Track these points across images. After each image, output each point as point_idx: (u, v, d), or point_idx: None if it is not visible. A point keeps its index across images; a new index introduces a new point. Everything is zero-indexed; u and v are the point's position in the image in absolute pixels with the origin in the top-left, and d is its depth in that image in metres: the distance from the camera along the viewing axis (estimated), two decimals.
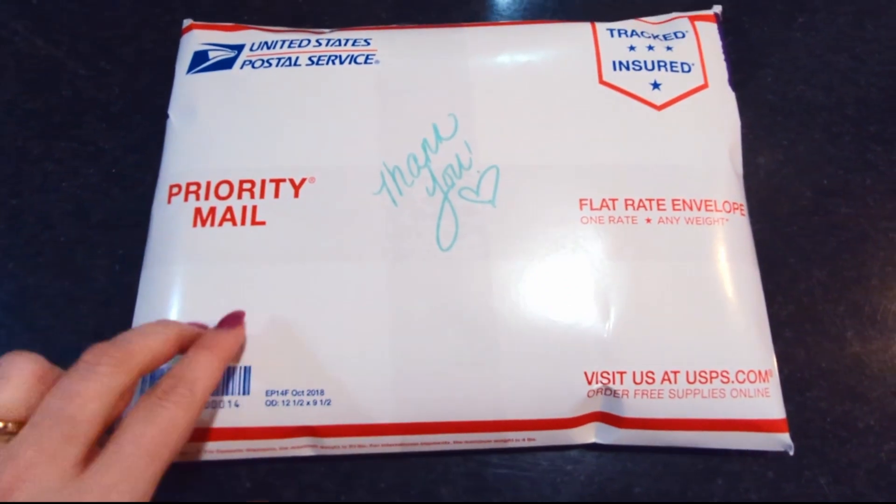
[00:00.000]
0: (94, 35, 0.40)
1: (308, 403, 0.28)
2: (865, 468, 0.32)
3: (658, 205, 0.30)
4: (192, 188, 0.31)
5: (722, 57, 0.35)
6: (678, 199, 0.31)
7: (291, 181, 0.31)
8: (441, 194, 0.31)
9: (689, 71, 0.34)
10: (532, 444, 0.30)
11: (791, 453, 0.29)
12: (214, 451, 0.28)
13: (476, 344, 0.29)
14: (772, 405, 0.29)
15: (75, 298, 0.34)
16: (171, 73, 0.35)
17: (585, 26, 0.35)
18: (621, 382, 0.28)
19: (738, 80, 0.36)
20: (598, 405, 0.29)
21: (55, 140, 0.38)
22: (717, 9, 0.37)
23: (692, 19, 0.36)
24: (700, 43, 0.35)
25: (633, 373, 0.28)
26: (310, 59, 0.33)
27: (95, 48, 0.40)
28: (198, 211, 0.30)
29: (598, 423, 0.30)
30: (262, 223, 0.30)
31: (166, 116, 0.34)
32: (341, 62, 0.33)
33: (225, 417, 0.28)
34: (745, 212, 0.33)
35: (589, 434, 0.30)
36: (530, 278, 0.29)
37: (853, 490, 0.32)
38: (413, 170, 0.31)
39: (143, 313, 0.30)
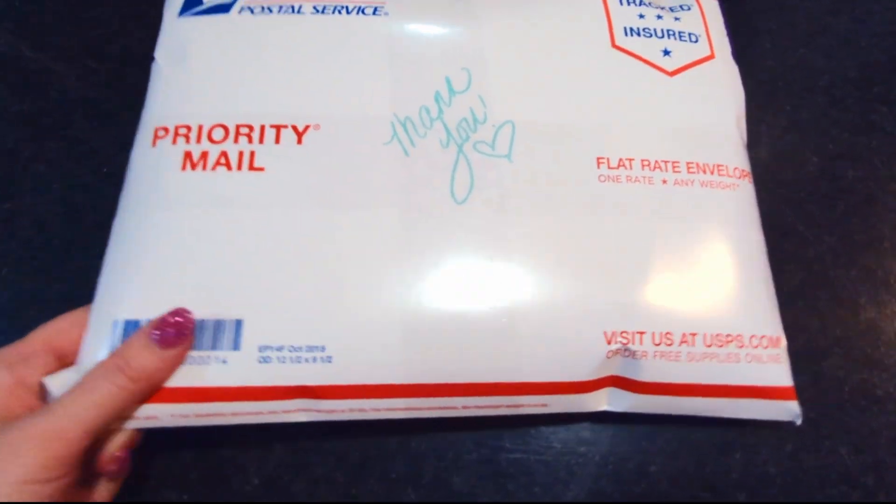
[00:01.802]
0: (79, 34, 0.40)
1: (307, 361, 0.26)
2: (886, 436, 0.31)
3: (673, 167, 0.30)
4: (182, 131, 0.29)
5: (724, 31, 0.35)
6: (692, 163, 0.30)
7: (294, 127, 0.29)
8: (455, 147, 0.30)
9: (696, 41, 0.34)
10: (543, 410, 0.28)
11: (798, 423, 0.28)
12: (192, 414, 0.26)
13: (491, 301, 0.27)
14: (783, 372, 0.29)
15: (73, 301, 0.34)
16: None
17: None
18: (641, 343, 0.27)
19: (737, 47, 0.35)
20: (615, 368, 0.28)
21: (46, 141, 0.37)
22: None
23: None
24: (705, 16, 0.35)
25: (653, 333, 0.27)
26: (315, 7, 0.32)
27: (82, 47, 0.39)
28: (188, 154, 0.28)
29: (612, 389, 0.29)
30: (261, 169, 0.28)
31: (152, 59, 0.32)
32: (348, 12, 0.32)
33: (210, 376, 0.25)
34: (752, 180, 0.32)
35: (601, 400, 0.29)
36: (547, 235, 0.28)
37: (875, 458, 0.31)
38: (426, 121, 0.30)
39: (117, 262, 0.27)
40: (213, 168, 0.28)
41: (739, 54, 0.35)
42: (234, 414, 0.26)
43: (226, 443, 0.30)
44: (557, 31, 0.33)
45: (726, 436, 0.31)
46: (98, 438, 0.24)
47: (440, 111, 0.30)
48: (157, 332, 0.25)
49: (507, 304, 0.27)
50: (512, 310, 0.27)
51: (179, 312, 0.26)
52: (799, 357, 0.33)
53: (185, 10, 0.32)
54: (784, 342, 0.29)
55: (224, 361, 0.26)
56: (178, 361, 0.25)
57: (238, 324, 0.26)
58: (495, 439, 0.31)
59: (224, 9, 0.32)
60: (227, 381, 0.26)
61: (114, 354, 0.25)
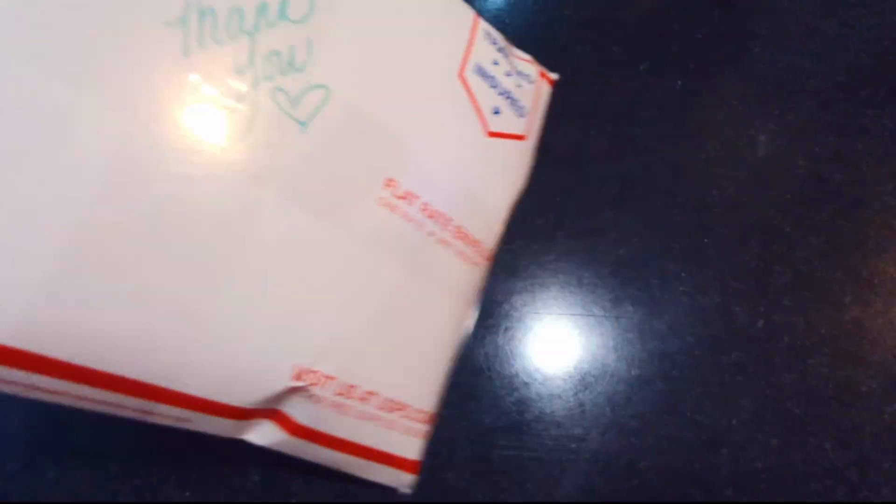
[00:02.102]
0: None
1: None
2: (870, 431, 0.32)
3: (445, 224, 0.28)
4: None
5: (541, 119, 0.35)
6: (462, 229, 0.29)
7: None
8: (251, 79, 0.23)
9: (521, 116, 0.32)
10: (183, 425, 0.25)
11: (408, 492, 0.30)
12: None
13: (193, 281, 0.22)
14: (417, 447, 0.30)
15: None
16: None
17: (469, 14, 0.31)
18: (325, 388, 0.25)
19: (727, 52, 0.36)
20: (283, 404, 0.25)
21: None
22: (556, 76, 0.37)
23: (540, 73, 0.35)
24: (537, 96, 0.34)
25: (342, 382, 0.25)
26: None
27: None
28: None
29: (266, 422, 0.26)
30: None
31: None
32: None
33: None
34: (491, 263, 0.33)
35: (249, 430, 0.26)
36: (292, 238, 0.24)
37: (859, 454, 0.32)
38: (231, 28, 0.22)
39: None
40: None
41: (730, 59, 0.36)
42: None
43: (224, 441, 0.31)
44: (418, 32, 0.28)
45: (714, 433, 0.32)
46: None
47: (256, 26, 0.23)
48: None
49: (209, 291, 0.22)
50: (213, 300, 0.22)
51: None
52: (785, 355, 0.34)
53: None
54: (433, 420, 0.30)
55: None
56: None
57: None
58: (488, 437, 0.32)
59: None
60: None
61: None
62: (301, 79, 0.24)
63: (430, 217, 0.28)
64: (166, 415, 0.23)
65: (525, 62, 0.35)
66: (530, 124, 0.33)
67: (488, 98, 0.30)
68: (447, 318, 0.30)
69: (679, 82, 0.40)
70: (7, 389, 0.21)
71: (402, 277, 0.27)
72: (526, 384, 0.33)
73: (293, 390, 0.25)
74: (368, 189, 0.26)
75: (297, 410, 0.26)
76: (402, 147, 0.27)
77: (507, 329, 0.34)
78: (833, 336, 0.34)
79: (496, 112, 0.30)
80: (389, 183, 0.26)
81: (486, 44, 0.31)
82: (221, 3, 0.23)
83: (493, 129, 0.30)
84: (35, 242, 0.19)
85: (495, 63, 0.31)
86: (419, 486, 0.31)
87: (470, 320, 0.33)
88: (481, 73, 0.30)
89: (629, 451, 0.32)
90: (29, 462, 0.30)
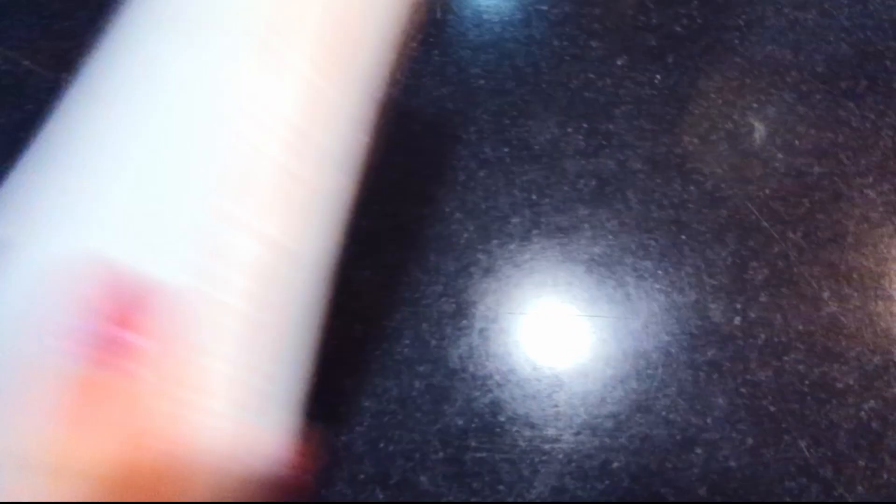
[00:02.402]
0: (53, 47, 0.40)
1: None
2: (846, 428, 0.32)
3: None
4: None
5: None
6: None
7: None
8: None
9: None
10: None
11: None
12: None
13: None
14: None
15: None
16: None
17: None
18: None
19: (705, 44, 0.36)
20: None
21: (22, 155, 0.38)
22: None
23: None
24: None
25: None
26: None
27: (55, 60, 0.40)
28: None
29: None
30: None
31: None
32: None
33: None
34: None
35: None
36: None
37: (833, 451, 0.31)
38: None
39: None
40: None
41: (707, 51, 0.36)
42: None
43: None
44: None
45: (687, 432, 0.32)
46: None
47: None
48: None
49: None
50: None
51: None
52: (762, 352, 0.33)
53: None
54: None
55: None
56: None
57: None
58: (461, 438, 0.32)
59: None
60: None
61: None
62: None
63: None
64: None
65: None
66: None
67: None
68: None
69: (657, 77, 0.40)
70: None
71: None
72: (500, 385, 0.33)
73: None
74: None
75: None
76: None
77: (481, 330, 0.34)
78: (809, 332, 0.34)
79: None
80: None
81: None
82: None
83: None
84: None
85: None
86: (392, 489, 0.31)
87: None
88: None
89: (602, 451, 0.32)
90: None
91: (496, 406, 0.33)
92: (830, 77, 0.39)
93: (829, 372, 0.33)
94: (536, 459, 0.31)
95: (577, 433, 0.32)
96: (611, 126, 0.39)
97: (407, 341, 0.34)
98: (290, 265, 0.19)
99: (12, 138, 0.38)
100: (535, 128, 0.39)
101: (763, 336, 0.34)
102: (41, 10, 0.41)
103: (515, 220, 0.37)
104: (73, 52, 0.41)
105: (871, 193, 0.37)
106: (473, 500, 0.31)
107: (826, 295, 0.34)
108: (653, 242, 0.36)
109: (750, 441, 0.32)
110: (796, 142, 0.38)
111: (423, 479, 0.31)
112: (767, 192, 0.37)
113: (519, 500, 0.31)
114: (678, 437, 0.32)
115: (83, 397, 0.15)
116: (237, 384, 0.17)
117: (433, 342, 0.34)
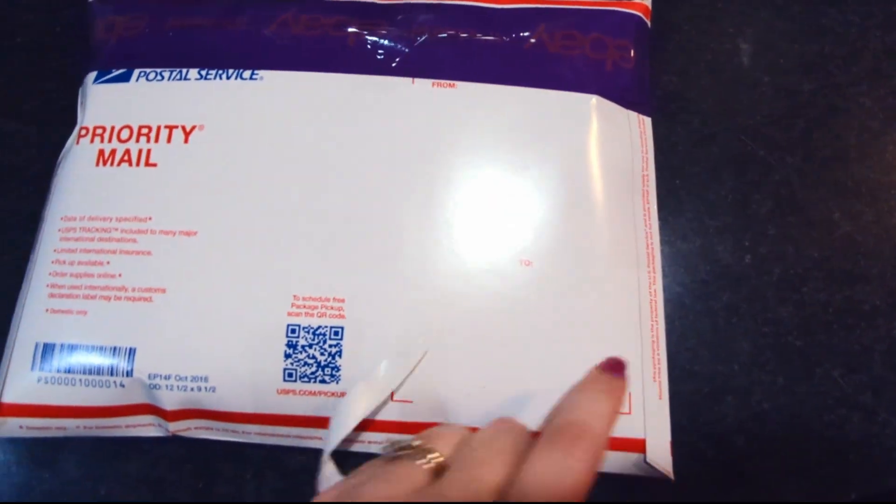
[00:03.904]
0: None
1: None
2: (879, 350, 0.31)
3: None
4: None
5: None
6: None
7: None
8: None
9: None
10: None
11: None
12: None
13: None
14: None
15: None
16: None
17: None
18: None
19: None
20: None
21: None
22: None
23: None
24: None
25: None
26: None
27: (0, 111, 0.38)
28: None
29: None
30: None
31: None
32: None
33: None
34: None
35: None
36: None
37: (870, 376, 0.30)
38: None
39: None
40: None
41: None
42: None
43: (213, 446, 0.30)
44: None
45: (715, 382, 0.30)
46: None
47: None
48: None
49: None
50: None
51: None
52: (779, 286, 0.32)
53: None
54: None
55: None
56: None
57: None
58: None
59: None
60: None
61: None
62: None
63: None
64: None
65: None
66: None
67: None
68: None
69: None
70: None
71: None
72: None
73: None
74: None
75: None
76: None
77: None
78: (826, 258, 0.32)
79: None
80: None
81: None
82: None
83: None
84: None
85: None
86: None
87: None
88: None
89: None
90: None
91: None
92: None
93: (853, 295, 0.31)
94: None
95: None
96: None
97: None
98: None
99: None
100: None
101: (777, 270, 0.32)
102: None
103: None
104: (15, 97, 0.39)
105: (868, 102, 0.35)
106: None
107: (836, 216, 0.33)
108: None
109: (781, 381, 0.30)
110: (780, 60, 0.36)
111: None
112: (758, 118, 0.35)
113: None
114: (706, 390, 0.30)
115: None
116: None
117: None
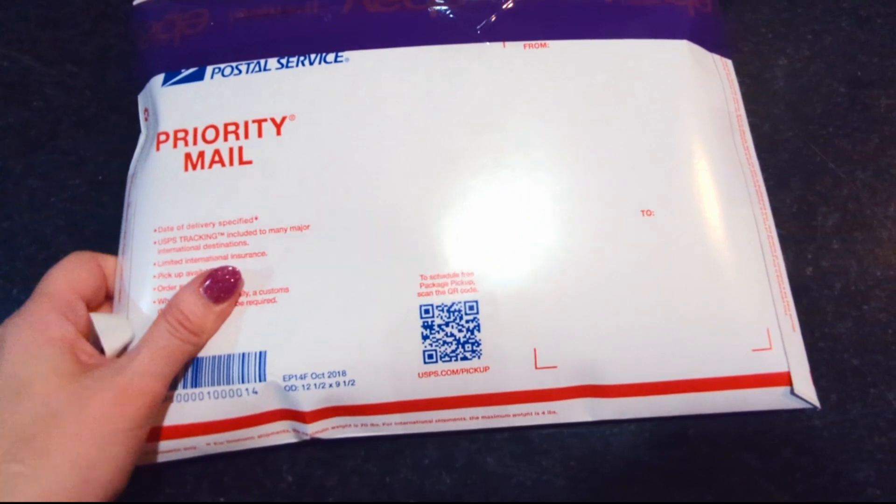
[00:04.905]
0: (53, 38, 0.38)
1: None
2: None
3: None
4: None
5: None
6: None
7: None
8: None
9: None
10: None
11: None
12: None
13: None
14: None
15: None
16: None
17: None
18: None
19: None
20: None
21: (35, 154, 0.36)
22: None
23: None
24: None
25: None
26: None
27: (58, 52, 0.38)
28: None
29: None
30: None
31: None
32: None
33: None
34: None
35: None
36: None
37: None
38: None
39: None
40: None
41: None
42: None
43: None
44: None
45: None
46: None
47: None
48: (209, 288, 0.26)
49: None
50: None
51: (224, 269, 0.27)
52: (839, 302, 0.31)
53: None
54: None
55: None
56: (227, 315, 0.27)
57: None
58: None
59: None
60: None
61: (170, 309, 0.26)
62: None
63: None
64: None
65: None
66: None
67: None
68: None
69: None
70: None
71: None
72: None
73: None
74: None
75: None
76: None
77: None
78: (889, 277, 0.31)
79: None
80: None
81: None
82: None
83: None
84: None
85: None
86: (457, 471, 0.30)
87: None
88: None
89: (676, 419, 0.30)
90: None
91: None
92: None
93: None
94: (607, 432, 0.30)
95: None
96: None
97: None
98: None
99: (24, 137, 0.36)
100: None
101: (839, 285, 0.31)
102: (34, 0, 0.39)
103: None
104: (74, 40, 0.39)
105: None
106: (544, 477, 0.29)
107: None
108: None
109: (834, 397, 0.30)
110: (859, 73, 0.35)
111: (489, 459, 0.30)
112: (831, 129, 0.34)
113: (593, 476, 0.29)
114: None
115: None
116: None
117: None
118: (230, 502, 0.30)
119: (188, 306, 0.26)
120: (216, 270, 0.27)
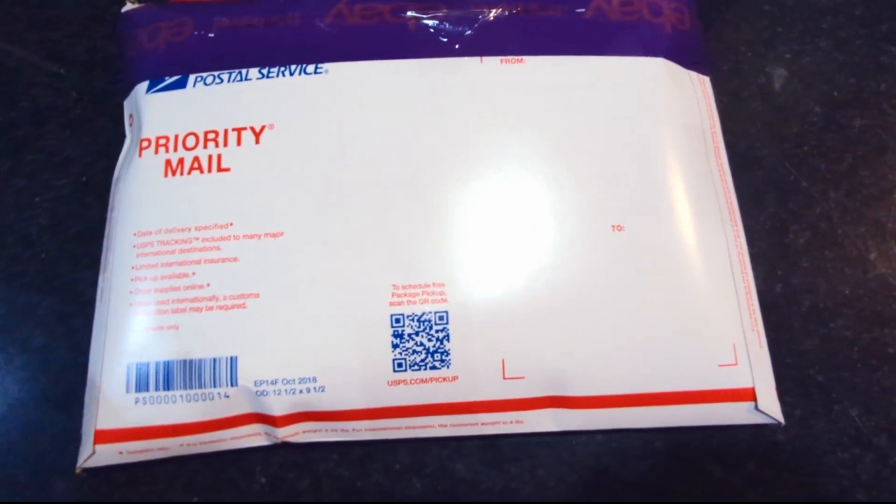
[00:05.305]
0: (42, 39, 0.38)
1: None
2: None
3: None
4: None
5: None
6: None
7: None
8: None
9: None
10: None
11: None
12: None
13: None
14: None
15: (66, 313, 0.34)
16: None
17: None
18: None
19: None
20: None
21: (21, 154, 0.36)
22: None
23: None
24: None
25: None
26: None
27: (46, 53, 0.38)
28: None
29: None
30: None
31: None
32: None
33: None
34: None
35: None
36: None
37: (888, 419, 0.30)
38: None
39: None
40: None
41: (734, 0, 0.33)
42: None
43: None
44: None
45: None
46: None
47: None
48: None
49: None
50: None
51: None
52: (807, 319, 0.32)
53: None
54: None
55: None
56: None
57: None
58: None
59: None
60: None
61: None
62: None
63: None
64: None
65: None
66: None
67: None
68: None
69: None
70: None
71: None
72: None
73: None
74: None
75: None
76: None
77: None
78: (857, 296, 0.32)
79: None
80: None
81: None
82: None
83: None
84: None
85: None
86: (428, 477, 0.30)
87: None
88: None
89: (642, 431, 0.30)
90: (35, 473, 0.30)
91: None
92: (870, 20, 0.37)
93: (880, 337, 0.31)
94: (575, 441, 0.30)
95: None
96: None
97: None
98: None
99: (10, 137, 0.37)
100: None
101: (807, 302, 0.32)
102: (24, 1, 0.39)
103: None
104: (63, 41, 0.40)
105: None
106: (512, 484, 0.30)
107: (873, 256, 0.33)
108: None
109: (798, 412, 0.30)
110: (835, 93, 0.36)
111: (459, 466, 0.30)
112: (806, 148, 0.35)
113: (560, 484, 0.30)
114: None
115: None
116: None
117: None
118: (203, 502, 0.30)
119: None
120: None
